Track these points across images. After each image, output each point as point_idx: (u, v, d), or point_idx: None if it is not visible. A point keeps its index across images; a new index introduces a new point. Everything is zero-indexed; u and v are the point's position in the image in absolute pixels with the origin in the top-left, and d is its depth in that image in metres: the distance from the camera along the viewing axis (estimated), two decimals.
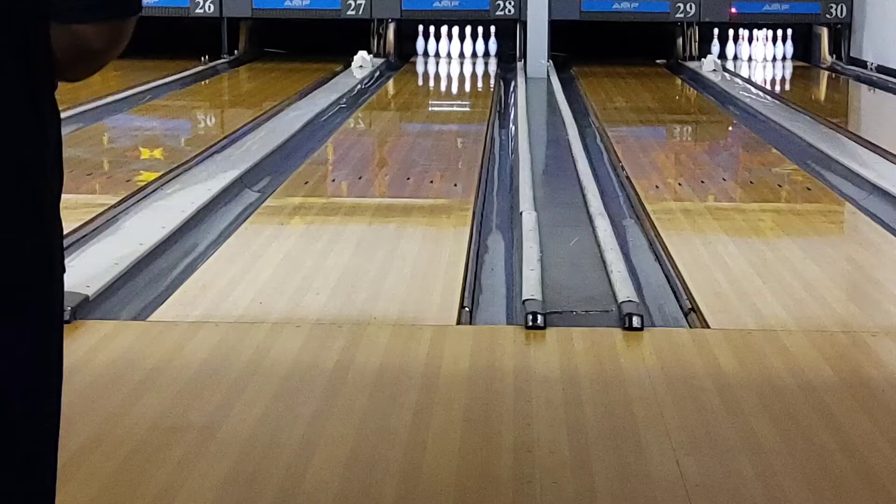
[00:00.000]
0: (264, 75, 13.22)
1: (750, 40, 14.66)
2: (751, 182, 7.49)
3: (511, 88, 12.17)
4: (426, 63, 14.51)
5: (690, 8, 14.22)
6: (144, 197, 6.55)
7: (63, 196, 1.74)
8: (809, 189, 7.23)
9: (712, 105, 11.37)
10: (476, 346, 4.24)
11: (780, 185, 7.42)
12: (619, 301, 4.68)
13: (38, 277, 1.79)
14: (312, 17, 14.41)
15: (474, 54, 14.64)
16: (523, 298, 4.68)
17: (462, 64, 14.43)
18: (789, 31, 14.65)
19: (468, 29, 14.65)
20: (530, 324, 4.41)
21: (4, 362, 1.77)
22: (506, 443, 3.43)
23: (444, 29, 14.65)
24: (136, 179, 6.99)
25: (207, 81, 12.73)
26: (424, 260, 5.55)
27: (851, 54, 14.09)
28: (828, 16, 14.19)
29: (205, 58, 13.81)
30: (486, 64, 14.40)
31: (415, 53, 14.69)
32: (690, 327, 4.62)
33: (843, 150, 8.29)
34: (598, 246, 5.71)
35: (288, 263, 5.41)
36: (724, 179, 7.62)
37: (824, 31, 14.40)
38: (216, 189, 6.67)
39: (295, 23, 14.65)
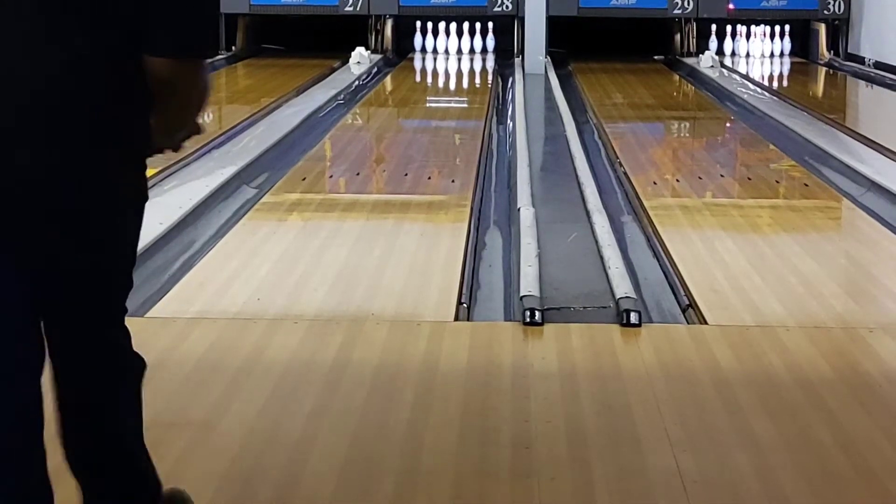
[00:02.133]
0: (262, 71, 13.21)
1: (748, 36, 14.66)
2: (748, 178, 7.49)
3: (509, 85, 12.17)
4: (424, 59, 14.51)
5: (688, 4, 14.22)
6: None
7: None
8: (807, 185, 7.23)
9: (710, 101, 11.37)
10: (474, 343, 4.24)
11: (777, 182, 7.42)
12: (617, 297, 4.68)
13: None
14: (310, 13, 14.41)
15: (472, 50, 14.64)
16: (521, 295, 4.68)
17: (460, 60, 14.42)
18: (787, 28, 14.65)
19: (466, 25, 14.64)
20: (528, 320, 4.41)
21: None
22: (503, 439, 3.43)
23: (441, 25, 14.64)
24: None
25: None
26: (422, 256, 5.55)
27: (849, 50, 14.09)
28: (825, 12, 14.19)
29: None
30: (483, 60, 14.40)
31: (412, 49, 14.68)
32: (688, 324, 4.62)
33: (840, 146, 8.29)
34: (596, 242, 5.71)
35: (285, 260, 5.41)
36: (722, 176, 7.62)
37: (822, 28, 14.40)
38: (214, 185, 6.67)
39: (292, 19, 14.65)
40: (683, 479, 3.14)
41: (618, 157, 7.99)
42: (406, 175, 7.47)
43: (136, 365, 2.55)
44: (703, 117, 10.71)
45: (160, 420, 3.55)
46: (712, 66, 13.22)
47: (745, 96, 11.22)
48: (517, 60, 13.58)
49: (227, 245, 5.63)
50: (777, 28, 14.64)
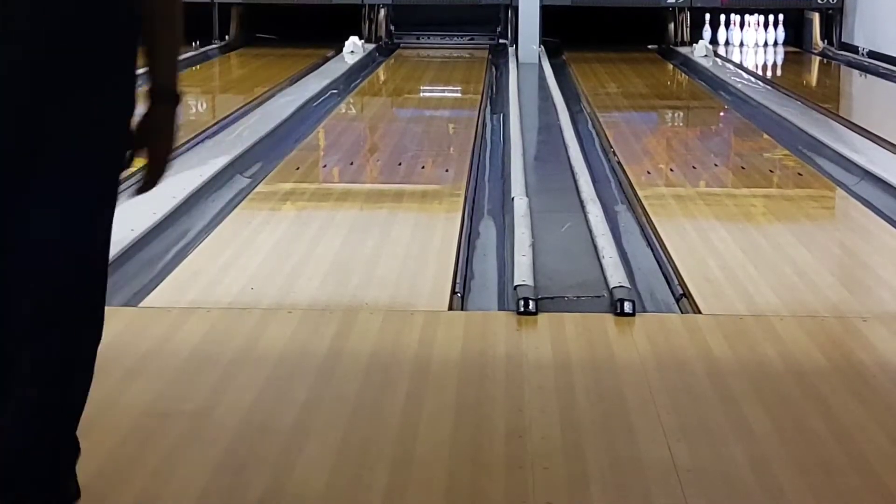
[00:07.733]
0: (255, 61, 13.19)
1: (741, 25, 14.65)
2: (742, 167, 7.49)
3: (503, 74, 12.16)
4: (418, 48, 14.49)
5: None
6: (136, 182, 6.52)
7: None
8: (801, 174, 7.24)
9: (704, 90, 11.37)
10: (468, 332, 4.24)
11: (771, 171, 7.43)
12: (611, 286, 4.68)
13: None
14: (304, 2, 14.39)
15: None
16: (515, 284, 4.68)
17: (454, 49, 14.40)
18: (781, 17, 14.64)
19: None
20: (522, 309, 4.41)
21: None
22: (497, 428, 3.43)
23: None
24: None
25: (198, 67, 12.70)
26: (416, 246, 5.55)
27: (843, 39, 14.08)
28: (819, 1, 14.18)
29: (196, 43, 13.77)
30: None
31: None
32: (682, 313, 4.63)
33: (834, 135, 8.29)
34: (590, 231, 5.71)
35: (279, 249, 5.40)
36: (716, 165, 7.62)
37: (816, 17, 14.39)
38: (207, 175, 6.65)
39: (286, 8, 14.62)
40: (677, 469, 3.15)
41: (612, 147, 7.99)
42: (400, 165, 7.46)
43: None
44: (697, 107, 10.71)
45: (153, 410, 3.55)
46: (706, 56, 13.21)
47: (739, 85, 11.22)
48: (511, 50, 13.57)
49: (220, 235, 5.63)
50: (771, 17, 14.63)
